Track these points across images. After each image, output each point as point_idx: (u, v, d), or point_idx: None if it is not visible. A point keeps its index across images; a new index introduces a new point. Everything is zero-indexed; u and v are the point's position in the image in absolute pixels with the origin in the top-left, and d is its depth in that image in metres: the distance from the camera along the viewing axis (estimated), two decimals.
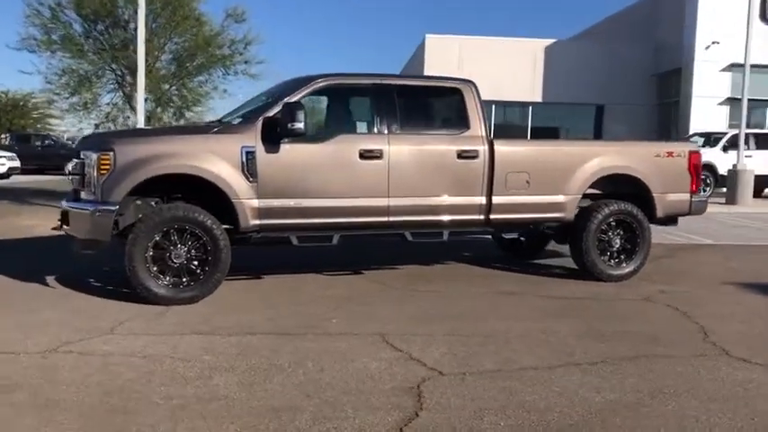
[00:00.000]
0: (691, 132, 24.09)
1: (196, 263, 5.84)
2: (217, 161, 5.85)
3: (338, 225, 6.32)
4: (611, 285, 6.99)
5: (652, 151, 7.46)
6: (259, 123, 6.02)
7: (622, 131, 26.80)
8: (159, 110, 14.83)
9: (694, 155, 7.55)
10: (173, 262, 5.77)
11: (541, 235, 8.13)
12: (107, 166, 5.64)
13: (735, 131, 19.48)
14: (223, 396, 3.69)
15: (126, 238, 5.71)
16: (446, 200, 6.59)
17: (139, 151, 5.73)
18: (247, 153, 5.93)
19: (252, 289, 6.50)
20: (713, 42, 24.71)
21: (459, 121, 6.73)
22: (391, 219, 6.46)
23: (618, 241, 7.26)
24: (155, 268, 5.74)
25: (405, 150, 6.40)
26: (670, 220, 7.71)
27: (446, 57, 27.83)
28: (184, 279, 5.82)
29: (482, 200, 6.73)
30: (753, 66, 23.84)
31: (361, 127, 6.67)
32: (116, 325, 5.10)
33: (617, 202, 7.20)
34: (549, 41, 28.78)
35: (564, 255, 8.59)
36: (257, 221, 6.03)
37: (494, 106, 28.15)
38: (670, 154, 7.47)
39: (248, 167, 5.92)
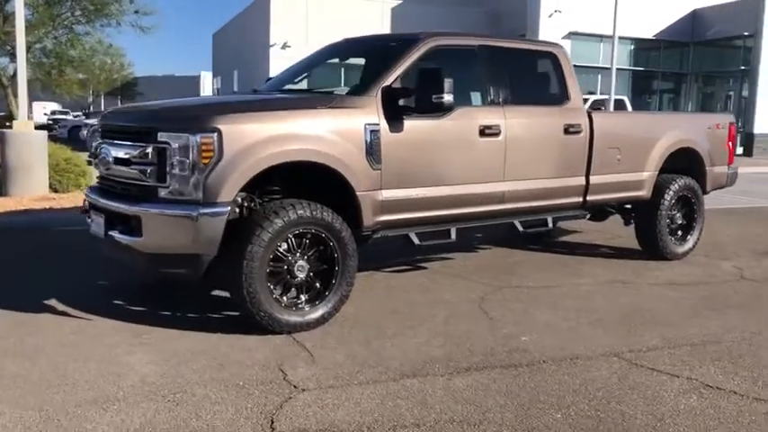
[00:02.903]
0: None
1: (312, 274, 4.51)
2: (341, 144, 4.52)
3: (456, 217, 5.28)
4: (690, 264, 6.72)
5: (706, 123, 7.26)
6: (378, 95, 4.74)
7: None
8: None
9: (732, 126, 7.49)
10: (292, 277, 4.39)
11: None
12: (210, 153, 4.07)
13: (597, 97, 20.61)
14: None
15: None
16: (554, 182, 5.81)
17: (252, 132, 4.21)
18: (372, 132, 4.65)
19: None
20: (555, 11, 25.88)
21: (560, 90, 5.94)
22: (506, 206, 5.54)
23: (679, 217, 7.00)
24: (273, 287, 4.32)
25: (519, 125, 5.48)
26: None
27: (292, 13, 26.35)
28: (302, 297, 4.47)
29: (582, 180, 6.05)
30: (591, 35, 25.46)
31: (475, 98, 5.59)
32: (278, 374, 3.71)
33: (681, 177, 6.90)
34: (397, 2, 28.36)
35: (570, 231, 8.29)
36: (380, 218, 4.81)
37: (342, 69, 27.23)
38: (717, 126, 7.33)
39: (372, 150, 4.66)
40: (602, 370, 3.87)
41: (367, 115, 4.65)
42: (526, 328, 4.59)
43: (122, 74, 43.61)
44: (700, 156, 7.04)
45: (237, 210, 4.41)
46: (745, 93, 26.85)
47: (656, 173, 6.63)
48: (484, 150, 5.29)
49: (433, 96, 4.60)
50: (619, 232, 8.18)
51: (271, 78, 6.26)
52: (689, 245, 7.04)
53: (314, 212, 4.35)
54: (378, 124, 4.67)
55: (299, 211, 4.30)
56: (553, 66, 5.94)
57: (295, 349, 4.11)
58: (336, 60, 6.21)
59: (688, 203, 7.03)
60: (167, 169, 4.13)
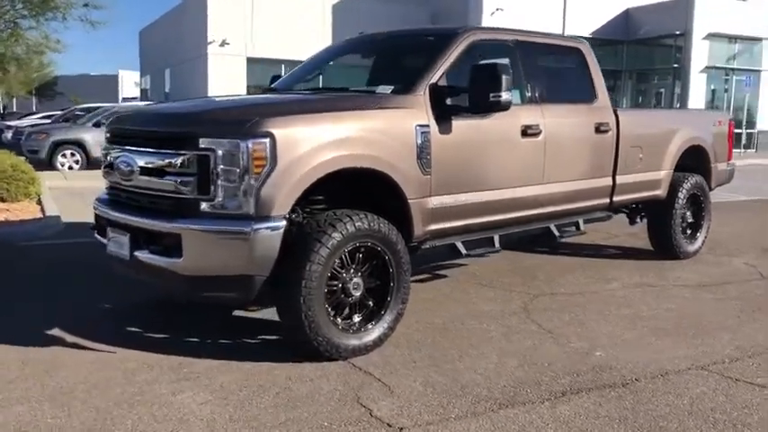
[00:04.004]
0: None
1: (366, 292, 4.08)
2: (394, 147, 4.13)
3: (500, 223, 4.97)
4: (703, 263, 6.64)
5: (711, 120, 7.21)
6: (426, 93, 4.36)
7: None
8: None
9: (731, 123, 7.49)
10: (347, 296, 3.96)
11: None
12: (263, 161, 3.59)
13: None
14: None
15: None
16: (587, 183, 5.59)
17: (306, 136, 3.75)
18: (422, 134, 4.27)
19: None
20: (497, 9, 26.01)
21: (588, 88, 5.70)
22: (544, 210, 5.27)
23: (689, 216, 6.91)
24: (330, 309, 3.88)
25: (557, 125, 5.21)
26: None
27: (231, 8, 25.49)
28: (356, 317, 4.04)
29: (609, 181, 5.85)
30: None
31: (514, 96, 5.24)
32: (360, 410, 3.28)
33: (692, 175, 6.81)
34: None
35: None
36: (429, 227, 4.43)
37: (283, 66, 26.59)
38: (721, 123, 7.30)
39: (422, 154, 4.28)
40: (700, 386, 3.62)
41: (416, 116, 4.27)
42: (593, 342, 4.31)
43: (42, 72, 41.10)
44: (707, 153, 6.98)
45: None
46: (678, 89, 27.74)
47: (672, 171, 6.51)
48: (526, 152, 5.00)
49: (491, 95, 4.25)
50: (615, 232, 8.09)
51: (279, 76, 5.76)
52: (698, 243, 6.97)
53: (371, 224, 3.93)
54: (428, 125, 4.30)
55: (357, 223, 3.87)
56: (580, 62, 5.70)
57: (363, 378, 3.69)
58: (357, 57, 5.74)
59: (697, 201, 6.95)
60: (212, 180, 3.62)
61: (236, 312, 4.85)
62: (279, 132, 3.62)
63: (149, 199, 3.92)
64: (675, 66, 27.96)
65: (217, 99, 4.61)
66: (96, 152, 15.62)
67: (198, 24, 26.23)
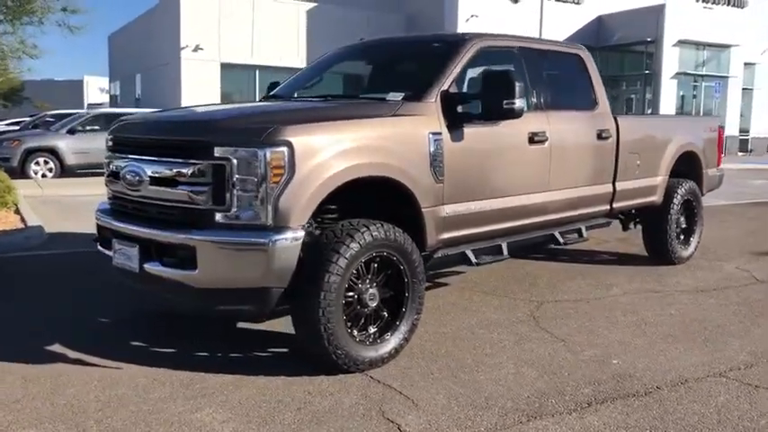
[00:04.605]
0: None
1: (381, 302, 4.01)
2: (409, 155, 4.07)
3: (509, 231, 4.94)
4: (697, 268, 6.69)
5: (703, 126, 7.29)
6: (438, 100, 4.31)
7: None
8: None
9: (721, 129, 7.58)
10: (363, 307, 3.88)
11: None
12: (281, 171, 3.50)
13: None
14: None
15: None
16: (589, 190, 5.60)
17: (324, 145, 3.66)
18: (435, 142, 4.22)
19: None
20: (472, 15, 26.16)
21: (589, 94, 5.71)
22: (549, 217, 5.25)
23: (683, 221, 6.96)
24: (347, 320, 3.80)
25: (561, 132, 5.20)
26: None
27: (203, 14, 25.21)
28: (372, 329, 3.97)
29: (610, 187, 5.86)
30: None
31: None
32: (388, 425, 3.21)
33: (686, 181, 6.86)
34: (311, 5, 27.73)
35: None
36: (442, 236, 4.38)
37: (257, 71, 26.46)
38: (712, 129, 7.38)
39: (435, 162, 4.22)
40: (722, 394, 3.61)
41: (429, 123, 4.22)
42: (606, 350, 4.29)
43: (8, 77, 40.03)
44: (699, 159, 7.05)
45: None
46: (648, 95, 28.18)
47: (667, 177, 6.56)
48: (533, 158, 4.98)
49: (504, 102, 4.22)
50: (606, 237, 8.12)
51: (277, 83, 5.66)
52: (692, 248, 7.03)
53: (387, 233, 3.86)
54: (440, 133, 4.25)
55: (374, 233, 3.79)
56: (581, 68, 5.71)
57: (383, 391, 3.61)
58: (361, 64, 5.66)
59: (690, 207, 7.00)
60: (227, 190, 3.51)
61: (240, 324, 4.74)
62: (297, 141, 3.53)
63: (159, 209, 3.80)
64: (647, 72, 28.40)
65: (228, 106, 4.50)
66: (71, 160, 15.31)
67: (171, 29, 25.91)
